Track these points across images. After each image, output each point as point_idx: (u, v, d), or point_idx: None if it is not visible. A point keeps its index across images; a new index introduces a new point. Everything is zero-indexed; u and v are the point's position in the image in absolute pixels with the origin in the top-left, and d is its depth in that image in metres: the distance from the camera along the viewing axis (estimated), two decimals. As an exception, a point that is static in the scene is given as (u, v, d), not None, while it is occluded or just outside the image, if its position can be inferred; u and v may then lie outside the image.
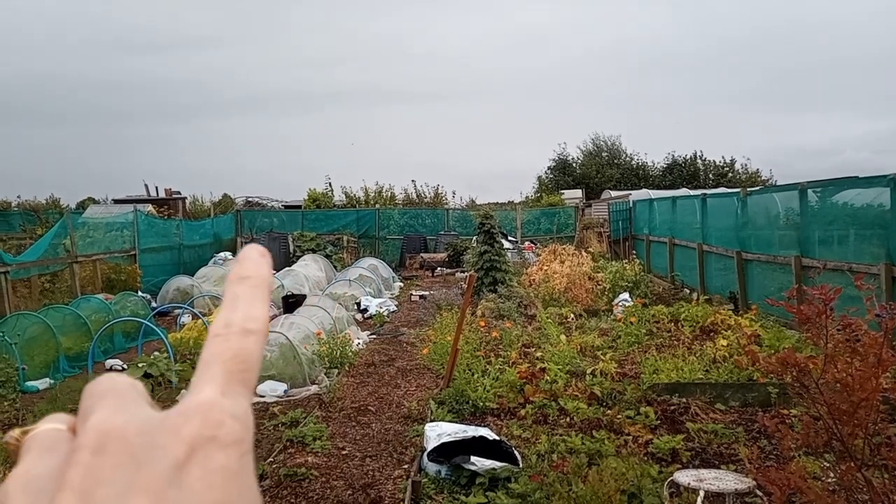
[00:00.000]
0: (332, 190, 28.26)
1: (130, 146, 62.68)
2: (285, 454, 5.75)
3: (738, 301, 11.98)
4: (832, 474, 4.11)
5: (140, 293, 13.81)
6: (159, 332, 9.37)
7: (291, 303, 13.14)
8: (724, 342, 8.46)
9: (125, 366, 8.68)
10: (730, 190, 19.16)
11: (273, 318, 11.61)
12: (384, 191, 28.79)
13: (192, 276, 15.74)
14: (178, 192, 28.26)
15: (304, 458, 5.64)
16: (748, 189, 13.93)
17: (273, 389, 7.86)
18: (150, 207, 21.72)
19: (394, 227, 24.91)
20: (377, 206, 26.77)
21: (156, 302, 14.12)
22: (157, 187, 28.13)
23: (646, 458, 5.23)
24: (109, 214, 17.17)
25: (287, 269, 17.24)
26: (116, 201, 26.69)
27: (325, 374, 8.60)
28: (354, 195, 28.67)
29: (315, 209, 26.39)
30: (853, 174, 10.08)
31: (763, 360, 3.41)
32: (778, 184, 24.67)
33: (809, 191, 10.25)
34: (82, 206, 26.36)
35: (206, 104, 71.59)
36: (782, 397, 6.37)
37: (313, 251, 20.63)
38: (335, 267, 19.55)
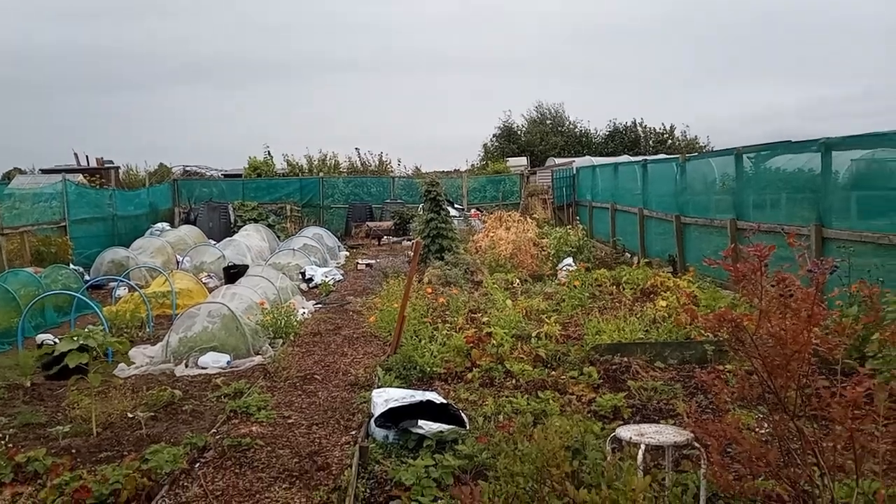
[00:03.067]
0: (272, 158, 27.58)
1: (61, 117, 59.53)
2: (229, 425, 5.64)
3: (676, 264, 12.33)
4: (766, 425, 4.29)
5: (72, 266, 13.24)
6: (93, 305, 9.01)
7: (233, 273, 12.86)
8: (664, 303, 8.70)
9: (57, 340, 8.33)
10: (670, 156, 19.58)
11: (214, 288, 11.32)
12: (328, 159, 28.30)
13: (128, 247, 15.18)
14: (111, 162, 27.04)
15: (248, 428, 5.55)
16: (687, 155, 14.24)
17: (215, 361, 7.69)
18: (80, 177, 20.72)
19: (338, 196, 24.56)
20: (321, 174, 26.30)
21: (89, 275, 13.57)
22: (87, 157, 26.82)
23: (589, 416, 5.34)
24: (37, 185, 16.28)
25: (228, 239, 16.82)
26: (44, 171, 25.33)
27: (270, 344, 8.46)
28: (297, 163, 28.09)
29: (256, 178, 25.76)
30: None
31: (702, 317, 3.49)
32: (715, 150, 25.32)
33: (745, 156, 10.54)
34: (8, 176, 24.96)
35: (140, 74, 68.38)
36: (718, 354, 6.60)
37: (255, 221, 20.18)
38: (278, 237, 19.19)
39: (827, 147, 8.35)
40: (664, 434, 3.74)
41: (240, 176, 26.75)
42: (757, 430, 4.56)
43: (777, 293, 3.24)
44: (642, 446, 3.55)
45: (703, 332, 7.32)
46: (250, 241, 16.78)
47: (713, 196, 11.85)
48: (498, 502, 2.95)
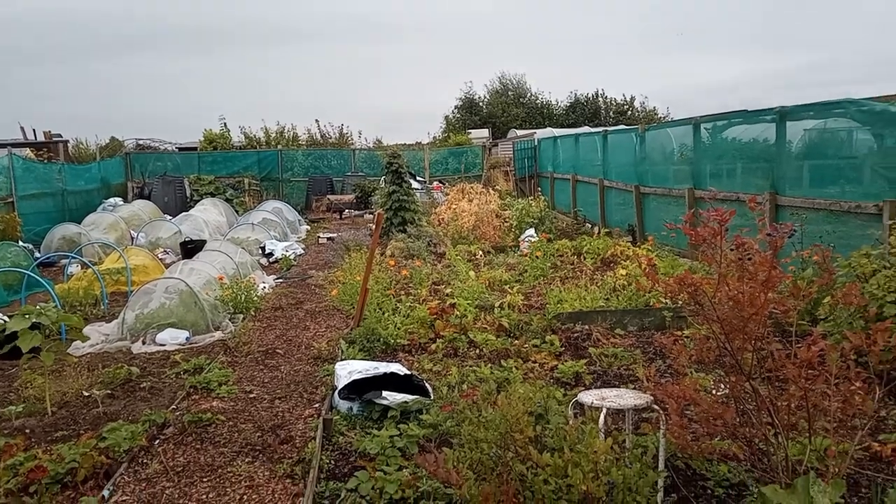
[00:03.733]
0: (229, 131, 26.91)
1: (5, 89, 56.87)
2: (189, 401, 5.55)
3: (636, 233, 12.51)
4: (723, 386, 4.40)
5: (21, 243, 12.76)
6: (44, 282, 8.71)
7: (190, 249, 12.60)
8: (624, 272, 8.82)
9: (7, 318, 8.05)
10: (629, 127, 19.75)
11: (171, 264, 11.07)
12: (286, 131, 27.73)
13: (79, 223, 14.70)
14: (59, 136, 26.03)
15: (209, 403, 5.46)
16: (646, 125, 14.36)
17: (174, 337, 7.53)
18: (27, 152, 19.90)
19: (298, 169, 24.16)
20: (279, 147, 25.80)
21: (39, 252, 13.12)
22: (34, 130, 25.77)
23: (552, 383, 5.41)
24: (-20, 159, 15.58)
25: (184, 214, 16.45)
26: (-12, 145, 24.28)
27: (230, 319, 8.33)
28: (254, 136, 27.48)
29: (212, 151, 25.13)
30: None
31: (663, 281, 3.53)
32: (674, 120, 25.63)
33: (702, 126, 10.67)
34: (-53, 151, 23.84)
35: (85, 45, 65.66)
36: (676, 320, 6.74)
37: (212, 195, 19.76)
38: (237, 211, 18.84)
39: (781, 116, 8.50)
40: (624, 398, 3.80)
41: (195, 149, 26.05)
42: (714, 391, 4.67)
43: (736, 257, 3.29)
44: (603, 410, 3.60)
45: (661, 299, 7.46)
46: (207, 215, 16.43)
47: (672, 166, 12.00)
48: (462, 469, 2.96)
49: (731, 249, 3.25)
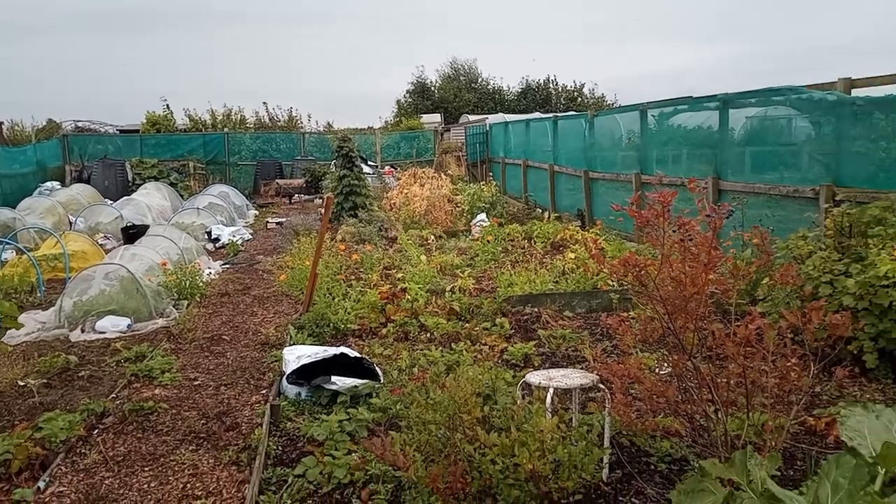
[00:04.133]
0: (172, 113, 26.09)
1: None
2: (130, 389, 5.38)
3: (584, 218, 12.69)
4: (666, 365, 4.50)
5: (-51, 229, 12.14)
6: (-26, 269, 8.31)
7: (132, 234, 12.20)
8: (572, 255, 8.94)
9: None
10: (579, 113, 19.95)
11: (112, 250, 10.70)
12: (233, 114, 27.07)
13: (14, 208, 14.05)
14: (-9, 117, 24.78)
15: (151, 391, 5.31)
16: (595, 111, 14.54)
17: (115, 325, 7.29)
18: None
19: (246, 153, 23.62)
20: (226, 130, 25.16)
21: (-31, 238, 12.49)
22: (-38, 110, 24.45)
23: (501, 365, 5.45)
24: None
25: (126, 198, 15.90)
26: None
27: (174, 306, 8.11)
28: (200, 119, 26.72)
29: (156, 134, 24.33)
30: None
31: (608, 263, 3.58)
32: (622, 105, 26.02)
33: (649, 114, 10.86)
34: None
35: (18, 23, 62.44)
36: (622, 302, 6.87)
37: (156, 179, 19.15)
38: (181, 195, 18.32)
39: (724, 103, 8.71)
40: (571, 378, 3.85)
41: (137, 132, 25.19)
42: (658, 370, 4.78)
43: (678, 238, 3.35)
44: (551, 390, 3.64)
45: (609, 281, 7.59)
46: (151, 199, 15.93)
47: (620, 152, 12.19)
48: (410, 451, 2.95)
49: (674, 231, 3.31)
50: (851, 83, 6.71)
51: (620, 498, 3.53)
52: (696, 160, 9.65)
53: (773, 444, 3.39)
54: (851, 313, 4.65)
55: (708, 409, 3.43)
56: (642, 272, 3.31)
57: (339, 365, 5.17)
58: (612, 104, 36.25)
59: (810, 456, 3.75)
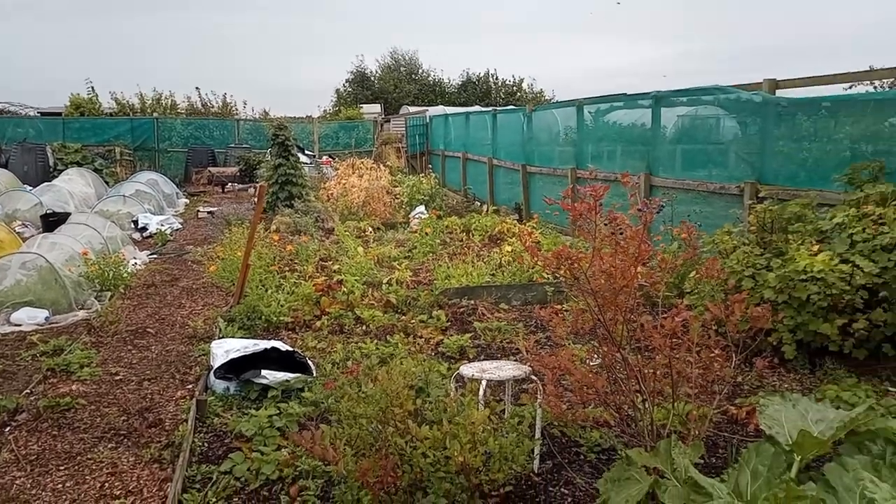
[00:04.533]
0: (97, 96, 24.90)
1: None
2: (46, 384, 5.10)
3: (522, 211, 12.82)
4: (597, 356, 4.57)
5: None
6: None
7: (53, 221, 11.58)
8: (509, 248, 9.01)
9: None
10: (518, 107, 20.13)
11: (30, 238, 10.13)
12: (163, 98, 26.05)
13: (-81, 193, 13.14)
14: None
15: (68, 387, 5.04)
16: (533, 105, 14.70)
17: (31, 317, 6.90)
18: None
19: (176, 139, 22.79)
20: (155, 114, 24.20)
21: None
22: None
23: (437, 357, 5.44)
24: None
25: (47, 184, 15.09)
26: None
27: (96, 297, 7.74)
28: (127, 102, 25.61)
29: (79, 117, 23.18)
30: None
31: (541, 255, 3.60)
32: (559, 101, 26.41)
33: (585, 110, 11.05)
34: None
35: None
36: (557, 295, 6.96)
37: (79, 164, 18.26)
38: (107, 182, 17.53)
39: (657, 100, 8.94)
40: (504, 370, 3.87)
41: (60, 115, 23.94)
42: (589, 362, 4.86)
43: (609, 232, 3.40)
44: (483, 382, 3.64)
45: (544, 275, 7.68)
46: (73, 186, 15.16)
47: (557, 147, 12.36)
48: (340, 445, 2.89)
49: (606, 225, 3.36)
50: (776, 84, 6.97)
51: (550, 488, 3.57)
52: (630, 157, 9.88)
53: (697, 432, 3.50)
54: (772, 306, 4.84)
55: (636, 400, 3.50)
56: (574, 265, 3.35)
57: (271, 359, 5.04)
58: (551, 100, 36.77)
59: (732, 444, 3.89)
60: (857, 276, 4.76)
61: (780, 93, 7.07)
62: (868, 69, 5.92)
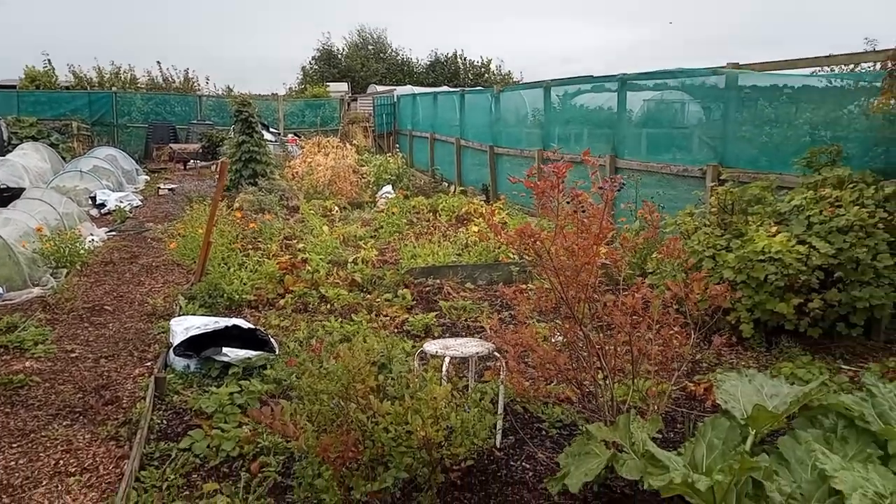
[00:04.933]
0: (54, 69, 24.06)
1: None
2: (-2, 362, 4.95)
3: (489, 192, 12.83)
4: (559, 334, 4.61)
5: None
6: None
7: (7, 197, 11.19)
8: (476, 229, 9.02)
9: None
10: (486, 88, 20.06)
11: (-20, 213, 9.78)
12: (123, 72, 25.28)
13: None
14: None
15: (21, 364, 4.90)
16: (501, 86, 14.65)
17: (-18, 294, 6.69)
18: None
19: (136, 114, 22.17)
20: (114, 89, 23.49)
21: None
22: None
23: (402, 336, 5.43)
24: None
25: (1, 158, 14.55)
26: None
27: (52, 274, 7.53)
28: (85, 76, 24.80)
29: (35, 90, 22.38)
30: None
31: (505, 233, 3.60)
32: (526, 82, 26.38)
33: (553, 93, 11.06)
34: None
35: None
36: (522, 275, 7.00)
37: (34, 139, 17.65)
38: (64, 158, 17.00)
39: (623, 82, 8.99)
40: (468, 346, 3.87)
41: (14, 87, 23.07)
42: (552, 340, 4.90)
43: (572, 210, 3.41)
44: (447, 358, 3.64)
45: (510, 255, 7.71)
46: (28, 160, 14.66)
47: (525, 129, 12.37)
48: (300, 420, 2.86)
49: (568, 203, 3.37)
50: (738, 67, 7.06)
51: (512, 463, 3.60)
52: (597, 139, 9.93)
53: (656, 408, 3.56)
54: (730, 286, 4.94)
55: (597, 376, 3.54)
56: (537, 242, 3.35)
57: (232, 337, 4.97)
58: (519, 82, 36.73)
59: (689, 419, 3.97)
60: (813, 256, 4.88)
61: (742, 78, 7.16)
62: (828, 55, 6.03)
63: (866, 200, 5.05)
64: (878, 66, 5.27)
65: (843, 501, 2.28)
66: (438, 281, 7.17)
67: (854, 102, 6.07)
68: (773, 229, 5.20)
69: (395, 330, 5.69)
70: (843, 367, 4.86)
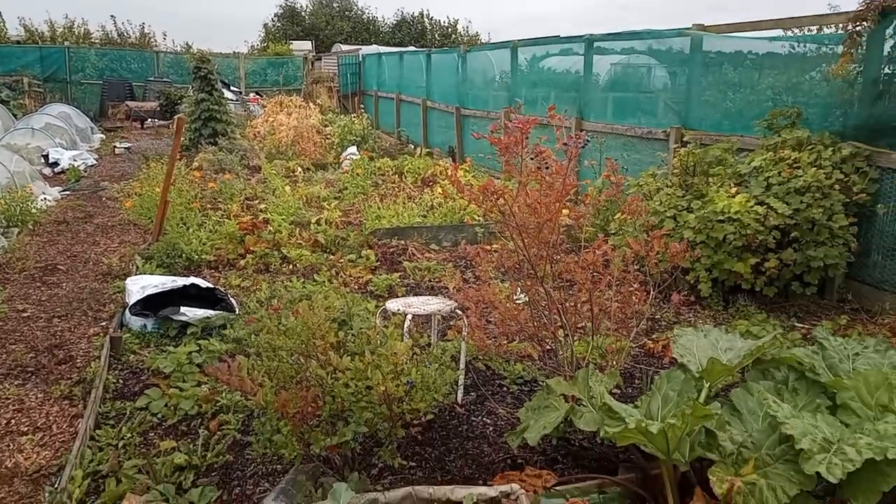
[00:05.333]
0: (4, 23, 22.97)
1: None
2: (-56, 322, 4.78)
3: (455, 155, 12.73)
4: (521, 292, 4.63)
5: None
6: None
7: (-48, 154, 10.71)
8: (441, 190, 8.95)
9: None
10: (452, 48, 19.77)
11: (-76, 170, 9.36)
12: (76, 27, 24.27)
13: None
14: None
15: (-31, 324, 4.75)
16: (468, 46, 14.45)
17: (-74, 253, 6.43)
18: None
19: (91, 71, 21.34)
20: (67, 43, 22.53)
21: None
22: None
23: (365, 296, 5.40)
24: None
25: (-55, 114, 13.92)
26: None
27: (2, 233, 7.26)
28: (37, 30, 23.74)
29: (-19, 43, 21.36)
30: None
31: (468, 190, 3.56)
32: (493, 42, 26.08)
33: (520, 55, 10.94)
34: None
35: None
36: (487, 236, 6.99)
37: (-18, 94, 16.89)
38: (14, 115, 16.29)
39: (589, 42, 8.93)
40: (430, 304, 3.86)
41: (-41, 40, 22.00)
42: (514, 298, 4.92)
43: (535, 167, 3.38)
44: (409, 316, 3.63)
45: (476, 216, 7.69)
46: (-25, 117, 14.06)
47: (492, 91, 12.25)
48: (258, 377, 2.82)
49: (532, 159, 3.34)
50: (703, 29, 7.05)
51: (473, 418, 3.63)
52: (564, 102, 9.88)
53: (615, 364, 3.61)
54: (691, 246, 5.01)
55: (557, 333, 3.57)
56: (500, 199, 3.33)
57: (191, 296, 4.88)
58: (487, 42, 36.32)
59: (647, 375, 4.04)
60: (770, 217, 4.96)
61: (707, 43, 7.16)
62: (792, 17, 6.04)
63: (824, 162, 5.13)
64: (840, 27, 5.30)
65: (793, 447, 2.34)
66: (403, 242, 7.12)
67: (816, 69, 6.12)
68: (733, 190, 5.26)
69: (359, 290, 5.65)
70: (797, 325, 4.99)
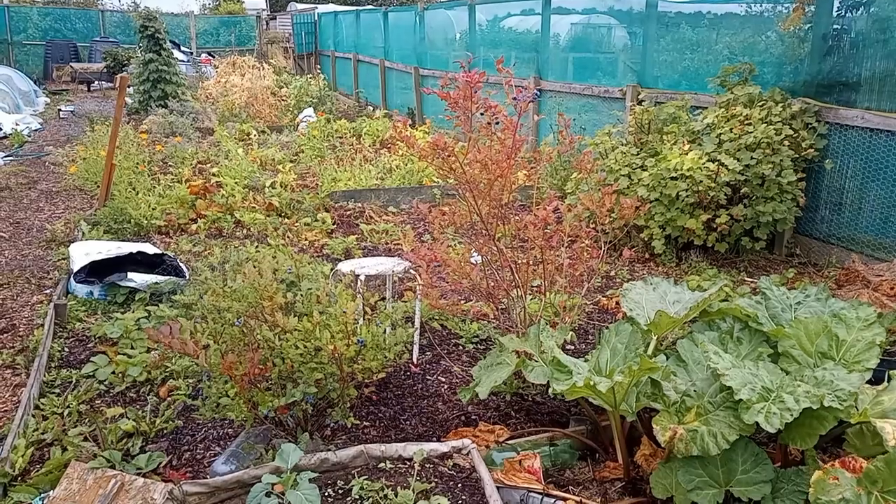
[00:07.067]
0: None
1: None
2: None
3: (415, 117, 12.57)
4: (475, 253, 4.62)
5: None
6: None
7: None
8: (400, 153, 8.84)
9: None
10: (410, 6, 19.37)
11: None
12: (15, -17, 23.03)
13: None
14: None
15: None
16: (426, 3, 14.16)
17: None
18: None
19: (33, 31, 20.36)
20: (6, 1, 21.40)
21: None
22: None
23: (321, 260, 5.32)
24: None
25: None
26: None
27: (-62, 201, 6.95)
28: (-30, -14, 22.43)
29: (-89, 0, 20.14)
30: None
31: (418, 147, 3.50)
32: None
33: (479, 12, 10.76)
34: None
35: None
36: (445, 198, 6.95)
37: (-87, 55, 15.99)
38: (-50, 77, 15.50)
39: (547, 0, 8.82)
40: (384, 265, 3.82)
41: None
42: (468, 257, 4.91)
43: (486, 122, 3.34)
44: (362, 276, 3.59)
45: (434, 178, 7.62)
46: None
47: (452, 52, 12.06)
48: (202, 339, 2.76)
49: (482, 114, 3.29)
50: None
51: (428, 377, 3.64)
52: (524, 63, 9.80)
53: (568, 320, 3.64)
54: (645, 203, 5.05)
55: (511, 292, 3.57)
56: (450, 156, 3.28)
57: (140, 263, 4.74)
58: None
59: (599, 330, 4.09)
60: (722, 173, 5.02)
61: (665, 3, 7.13)
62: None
63: (774, 118, 5.19)
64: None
65: (732, 396, 2.39)
66: (360, 205, 7.04)
67: (772, 29, 6.16)
68: (686, 147, 5.29)
69: (315, 254, 5.57)
70: (747, 279, 5.10)
